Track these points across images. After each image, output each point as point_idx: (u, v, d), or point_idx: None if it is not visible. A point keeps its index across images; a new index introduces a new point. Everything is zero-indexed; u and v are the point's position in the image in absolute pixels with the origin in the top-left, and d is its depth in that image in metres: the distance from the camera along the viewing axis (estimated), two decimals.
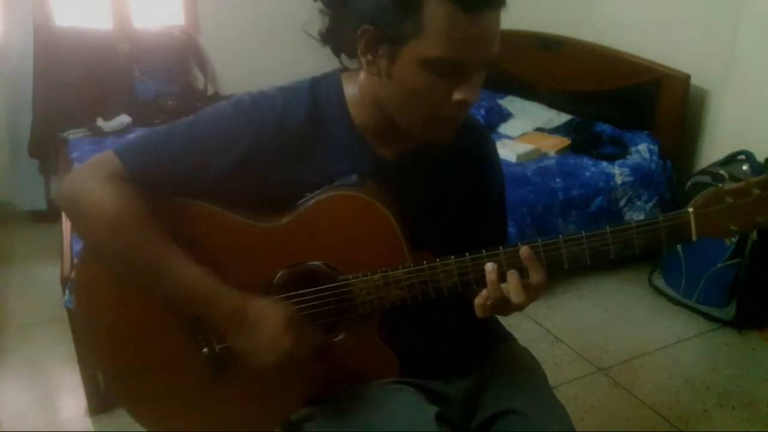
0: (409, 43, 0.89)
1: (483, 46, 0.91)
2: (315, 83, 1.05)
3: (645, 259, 2.72)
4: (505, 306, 0.98)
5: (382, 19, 0.90)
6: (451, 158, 1.10)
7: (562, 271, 0.97)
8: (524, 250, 0.96)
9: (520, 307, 0.98)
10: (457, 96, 0.93)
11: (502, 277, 0.97)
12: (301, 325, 0.99)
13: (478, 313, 0.99)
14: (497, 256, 0.98)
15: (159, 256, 0.96)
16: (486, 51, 0.91)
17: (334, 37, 1.01)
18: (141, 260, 0.97)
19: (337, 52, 1.03)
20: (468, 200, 1.14)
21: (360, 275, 1.01)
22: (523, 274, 0.97)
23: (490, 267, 0.96)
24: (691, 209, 0.93)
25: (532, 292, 0.97)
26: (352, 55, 1.01)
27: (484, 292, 0.98)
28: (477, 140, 1.15)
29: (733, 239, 0.98)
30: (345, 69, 1.06)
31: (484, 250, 0.98)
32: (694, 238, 0.94)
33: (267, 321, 0.96)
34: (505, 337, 1.23)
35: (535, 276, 0.96)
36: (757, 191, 0.91)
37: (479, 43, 0.90)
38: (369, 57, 0.95)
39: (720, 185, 0.93)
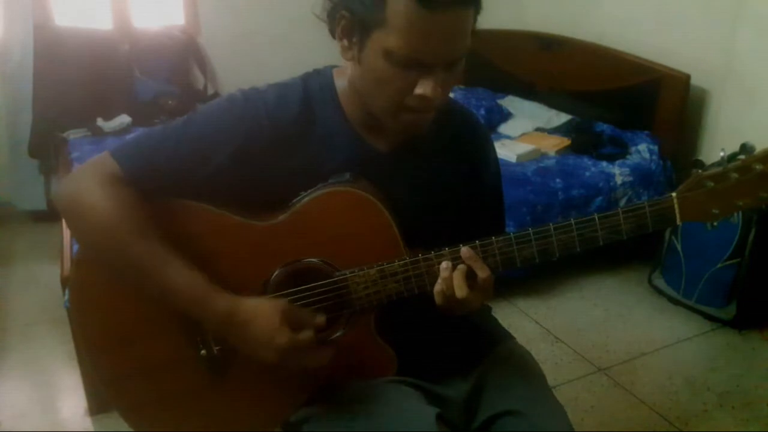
0: (375, 33, 0.91)
1: (443, 44, 0.91)
2: (307, 78, 1.07)
3: (645, 259, 2.72)
4: (457, 301, 0.99)
5: (355, 7, 0.92)
6: (446, 151, 1.11)
7: (553, 259, 1.01)
8: (464, 251, 0.98)
9: (469, 304, 0.99)
10: (418, 90, 0.94)
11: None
12: (297, 315, 0.98)
13: (436, 300, 1.01)
14: (491, 246, 0.99)
15: (152, 261, 0.96)
16: (447, 50, 0.92)
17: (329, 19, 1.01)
18: (135, 264, 0.97)
19: (333, 33, 1.03)
20: (461, 193, 1.14)
21: (356, 270, 1.02)
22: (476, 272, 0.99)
23: (444, 265, 0.99)
24: (674, 194, 0.97)
25: (479, 290, 0.99)
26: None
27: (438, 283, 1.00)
28: (472, 134, 1.16)
29: (716, 225, 1.00)
30: (336, 65, 1.07)
31: (477, 241, 1.00)
32: (678, 221, 0.97)
33: (258, 320, 0.96)
34: (503, 337, 1.23)
35: (480, 274, 0.98)
36: (735, 175, 0.94)
37: (439, 41, 0.90)
38: (345, 42, 0.97)
39: (701, 171, 0.97)
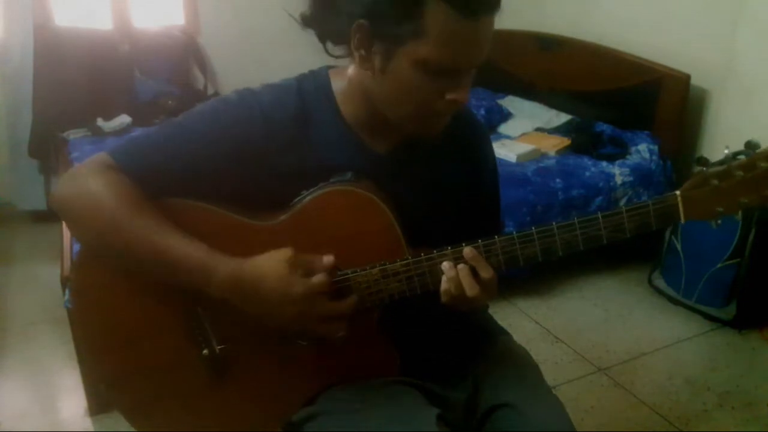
0: (407, 44, 0.90)
1: (478, 49, 0.93)
2: (302, 79, 1.06)
3: (645, 259, 2.72)
4: (465, 299, 0.99)
5: (380, 17, 0.91)
6: (444, 150, 1.11)
7: (556, 258, 1.01)
8: (467, 251, 0.98)
9: (474, 302, 0.99)
10: (450, 96, 0.95)
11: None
12: (305, 260, 0.96)
13: (443, 299, 1.01)
14: (494, 245, 0.99)
15: (151, 236, 0.96)
16: (480, 54, 0.94)
17: (321, 23, 1.00)
18: (135, 242, 0.96)
19: (322, 39, 1.02)
20: (460, 192, 1.14)
21: (358, 270, 1.01)
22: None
23: (447, 265, 0.99)
24: (678, 192, 0.96)
25: (483, 289, 0.99)
26: (338, 42, 1.00)
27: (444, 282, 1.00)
28: (470, 133, 1.16)
29: (720, 223, 0.99)
30: (332, 66, 1.07)
31: (480, 240, 0.99)
32: (682, 220, 0.97)
33: (267, 276, 0.94)
34: (498, 334, 1.24)
35: (483, 274, 0.98)
36: (740, 173, 0.94)
37: (475, 47, 0.92)
38: (362, 52, 0.95)
39: (705, 169, 0.95)
